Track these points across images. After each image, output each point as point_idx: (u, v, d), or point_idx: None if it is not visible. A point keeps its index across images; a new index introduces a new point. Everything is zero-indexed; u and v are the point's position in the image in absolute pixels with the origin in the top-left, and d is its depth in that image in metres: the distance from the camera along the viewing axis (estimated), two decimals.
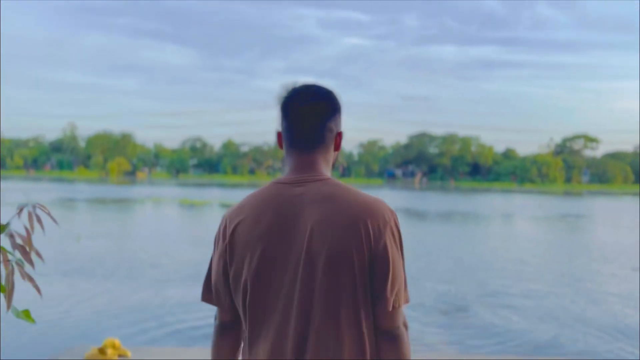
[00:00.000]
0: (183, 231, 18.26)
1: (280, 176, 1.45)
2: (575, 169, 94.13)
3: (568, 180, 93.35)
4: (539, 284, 10.21)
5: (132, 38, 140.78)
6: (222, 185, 63.70)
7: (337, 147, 1.46)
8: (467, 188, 73.83)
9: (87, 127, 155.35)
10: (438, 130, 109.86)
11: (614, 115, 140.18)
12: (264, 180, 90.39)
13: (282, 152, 1.48)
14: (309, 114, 1.41)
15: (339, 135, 1.45)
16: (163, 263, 11.32)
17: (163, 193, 42.56)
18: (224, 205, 30.45)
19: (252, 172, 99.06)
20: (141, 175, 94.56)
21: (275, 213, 1.35)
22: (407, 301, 1.37)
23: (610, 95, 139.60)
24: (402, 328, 1.36)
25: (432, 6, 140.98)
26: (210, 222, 21.66)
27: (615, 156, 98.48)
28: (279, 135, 1.48)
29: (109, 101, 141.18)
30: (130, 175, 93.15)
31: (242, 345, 1.45)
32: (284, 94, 1.46)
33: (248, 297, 1.35)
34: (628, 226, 24.12)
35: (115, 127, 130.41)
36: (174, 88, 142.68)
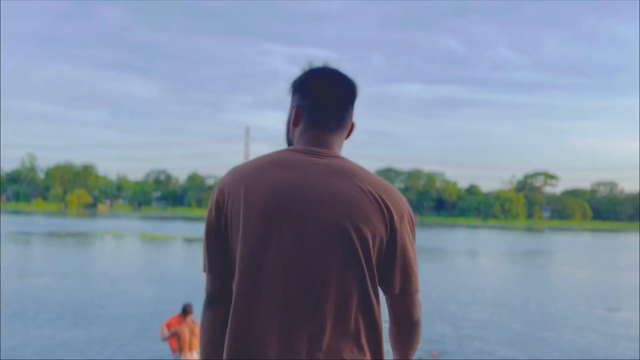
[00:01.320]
0: (140, 268, 17.51)
1: (296, 146, 1.37)
2: (536, 205, 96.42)
3: (530, 216, 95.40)
4: (511, 322, 10.03)
5: (98, 69, 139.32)
6: (186, 219, 62.48)
7: (349, 134, 1.43)
8: (433, 223, 74.49)
9: (47, 158, 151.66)
10: (404, 166, 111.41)
11: (570, 153, 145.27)
12: None
13: (293, 131, 1.41)
14: (336, 95, 1.39)
15: (353, 125, 1.43)
16: (111, 304, 10.65)
17: (124, 226, 41.32)
18: (187, 240, 29.61)
19: None
20: (102, 207, 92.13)
21: (289, 174, 1.26)
22: (418, 289, 1.33)
23: (566, 134, 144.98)
24: (419, 315, 1.32)
25: (398, 45, 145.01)
26: (171, 258, 20.91)
27: (573, 193, 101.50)
28: (297, 110, 1.39)
29: (71, 132, 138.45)
30: (91, 207, 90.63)
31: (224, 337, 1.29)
32: (308, 71, 1.42)
33: (248, 262, 1.23)
34: (590, 263, 24.49)
35: (77, 158, 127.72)
36: (140, 120, 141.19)
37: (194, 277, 14.89)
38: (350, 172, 1.29)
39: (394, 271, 1.27)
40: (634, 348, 8.23)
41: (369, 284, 1.24)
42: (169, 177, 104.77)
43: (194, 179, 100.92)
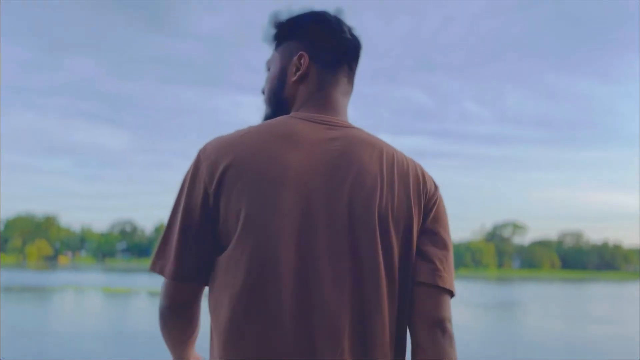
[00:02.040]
0: (100, 325, 16.44)
1: (297, 112, 1.08)
2: (506, 255, 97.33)
3: (500, 265, 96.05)
4: None
5: (66, 119, 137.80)
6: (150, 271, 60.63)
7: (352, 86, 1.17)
8: None
9: (8, 209, 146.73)
10: None
11: (537, 204, 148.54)
12: None
13: (294, 87, 1.11)
14: (352, 46, 1.11)
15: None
16: None
17: (84, 280, 39.58)
18: (152, 294, 28.37)
19: None
20: (63, 259, 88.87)
21: (307, 153, 0.99)
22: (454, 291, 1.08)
23: (532, 185, 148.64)
24: (451, 324, 1.04)
25: (368, 98, 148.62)
26: (133, 315, 19.81)
27: (541, 243, 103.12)
28: (306, 59, 1.09)
29: (36, 182, 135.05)
30: (51, 259, 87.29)
31: (197, 328, 1.13)
32: (314, 13, 1.11)
33: (252, 262, 0.94)
34: (562, 314, 24.37)
35: (39, 209, 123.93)
36: (107, 170, 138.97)
37: (156, 335, 13.99)
38: (377, 147, 1.04)
39: (436, 262, 1.04)
40: None
41: (402, 283, 1.00)
42: (134, 228, 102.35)
43: (160, 230, 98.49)
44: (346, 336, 0.94)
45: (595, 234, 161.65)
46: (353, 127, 1.08)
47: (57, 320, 17.57)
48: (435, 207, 1.07)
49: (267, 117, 1.14)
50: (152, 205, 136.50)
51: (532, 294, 38.59)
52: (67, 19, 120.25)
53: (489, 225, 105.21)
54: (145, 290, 30.48)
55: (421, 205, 1.05)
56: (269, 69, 1.16)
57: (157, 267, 1.01)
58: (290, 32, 1.10)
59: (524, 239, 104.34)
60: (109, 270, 59.87)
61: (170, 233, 1.01)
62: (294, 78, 1.09)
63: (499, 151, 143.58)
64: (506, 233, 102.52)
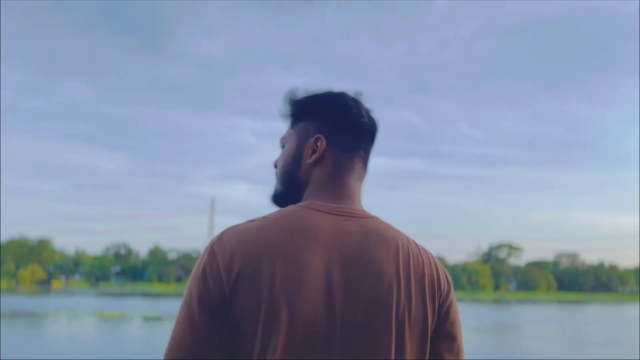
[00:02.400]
0: (93, 352, 16.21)
1: (308, 201, 1.04)
2: (502, 276, 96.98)
3: (496, 287, 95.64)
4: None
5: (61, 141, 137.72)
6: (146, 295, 59.91)
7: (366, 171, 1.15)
8: None
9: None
10: None
11: (532, 225, 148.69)
12: None
13: (309, 168, 1.08)
14: (369, 130, 1.10)
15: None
16: None
17: (78, 304, 39.12)
18: (146, 319, 28.06)
19: (179, 280, 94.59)
20: (57, 284, 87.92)
21: (325, 250, 0.96)
22: None
23: (526, 206, 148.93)
24: None
25: None
26: (126, 341, 19.53)
27: (537, 264, 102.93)
28: (323, 141, 1.06)
29: (29, 205, 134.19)
30: (44, 284, 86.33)
31: None
32: (332, 94, 1.11)
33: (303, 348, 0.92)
34: (560, 338, 24.23)
35: (34, 232, 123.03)
36: (102, 193, 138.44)
37: (154, 357, 13.81)
38: (394, 241, 1.02)
39: (452, 344, 1.05)
40: None
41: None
42: (129, 251, 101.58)
43: (155, 253, 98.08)
44: None
45: (590, 255, 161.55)
46: (369, 217, 1.06)
47: (51, 346, 17.32)
48: (451, 308, 1.05)
49: (277, 194, 1.15)
50: (147, 228, 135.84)
51: (530, 316, 38.39)
52: (62, 43, 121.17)
53: (484, 246, 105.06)
54: (139, 315, 30.15)
55: (436, 306, 1.02)
56: (283, 146, 1.15)
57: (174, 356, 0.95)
58: (308, 111, 1.10)
59: (520, 260, 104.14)
60: (102, 294, 59.24)
61: (184, 325, 0.95)
62: (310, 160, 1.07)
63: (494, 172, 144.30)
64: (502, 254, 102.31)
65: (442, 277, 1.06)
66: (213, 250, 0.97)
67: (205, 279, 0.95)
